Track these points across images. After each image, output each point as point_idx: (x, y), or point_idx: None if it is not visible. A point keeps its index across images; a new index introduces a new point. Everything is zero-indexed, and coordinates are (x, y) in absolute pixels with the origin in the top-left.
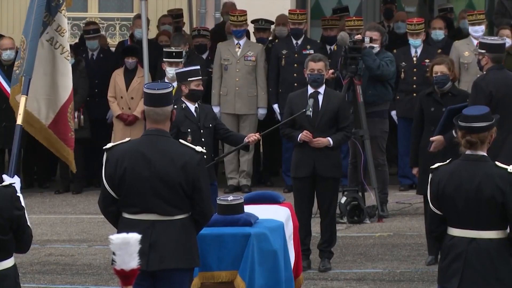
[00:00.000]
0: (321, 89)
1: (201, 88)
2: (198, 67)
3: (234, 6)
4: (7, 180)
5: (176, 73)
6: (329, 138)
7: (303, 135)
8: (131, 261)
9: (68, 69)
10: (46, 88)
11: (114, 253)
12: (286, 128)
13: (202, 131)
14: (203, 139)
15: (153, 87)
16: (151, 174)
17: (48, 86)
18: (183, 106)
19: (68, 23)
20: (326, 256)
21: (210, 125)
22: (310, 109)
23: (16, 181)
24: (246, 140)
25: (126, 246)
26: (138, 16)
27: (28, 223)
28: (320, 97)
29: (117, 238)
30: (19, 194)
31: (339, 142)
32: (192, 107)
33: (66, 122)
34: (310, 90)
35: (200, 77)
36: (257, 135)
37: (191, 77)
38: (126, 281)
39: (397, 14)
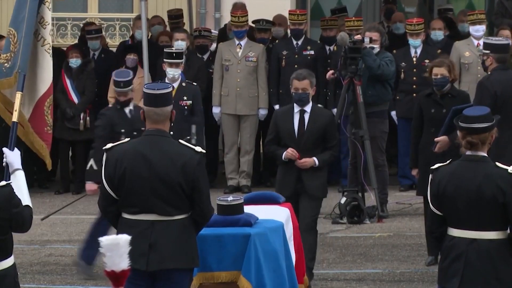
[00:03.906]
0: (307, 107)
1: (121, 98)
2: (123, 79)
3: (244, 7)
4: (7, 153)
5: (113, 78)
6: (314, 158)
7: (288, 153)
8: (121, 262)
9: (48, 62)
10: (28, 81)
11: (104, 255)
12: (271, 145)
13: (135, 133)
14: None
15: (152, 87)
16: (151, 174)
17: (28, 78)
18: (118, 107)
19: (68, 23)
20: (308, 275)
21: (142, 128)
22: (195, 137)
23: (16, 155)
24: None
25: (116, 248)
26: (139, 17)
27: (28, 203)
28: (306, 116)
29: (106, 239)
30: (19, 171)
31: (325, 163)
32: (126, 108)
33: (43, 116)
34: (296, 108)
35: (127, 89)
36: None
37: (117, 88)
38: (117, 282)
39: (395, 15)
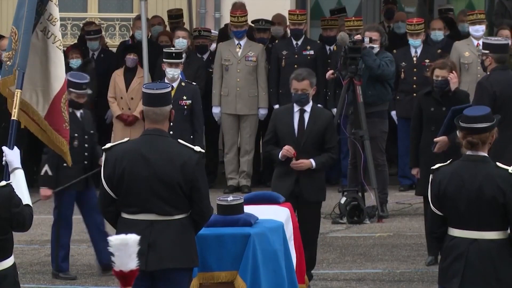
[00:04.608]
0: (307, 107)
1: (81, 100)
2: (84, 81)
3: (243, 6)
4: (6, 152)
5: (70, 79)
6: (311, 160)
7: (285, 150)
8: (130, 262)
9: (60, 58)
10: (42, 79)
11: (112, 254)
12: (268, 145)
13: (86, 136)
14: (86, 145)
15: (151, 87)
16: (150, 174)
17: (43, 76)
18: (70, 111)
19: (67, 23)
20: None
21: (92, 131)
22: None
23: (15, 154)
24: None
25: (125, 247)
26: (139, 18)
27: (28, 202)
28: (306, 115)
29: (115, 239)
30: (19, 170)
31: (322, 165)
32: (77, 112)
33: (60, 112)
34: (296, 107)
35: (82, 91)
36: None
37: (71, 88)
38: (125, 282)
39: (396, 14)
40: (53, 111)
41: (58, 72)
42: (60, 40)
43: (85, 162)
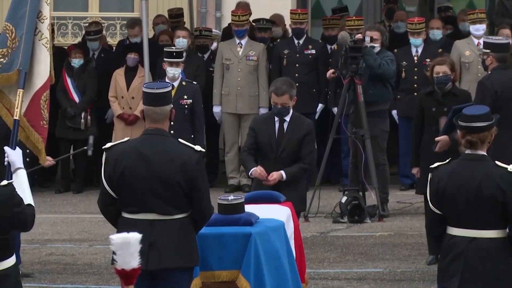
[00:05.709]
0: (287, 117)
1: None
2: None
3: (247, 6)
4: (8, 152)
5: None
6: (282, 172)
7: (257, 172)
8: (132, 261)
9: (45, 56)
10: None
11: (114, 253)
12: (244, 153)
13: None
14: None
15: (152, 87)
16: (150, 174)
17: (27, 73)
18: None
19: (68, 22)
20: None
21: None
22: (92, 148)
23: (18, 154)
24: (42, 163)
25: (127, 246)
26: (131, 25)
27: (30, 201)
28: (286, 124)
29: (117, 237)
30: (21, 170)
31: (293, 176)
32: None
33: (39, 110)
34: (276, 117)
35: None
36: (52, 161)
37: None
38: (127, 281)
39: (397, 14)
40: (32, 108)
41: (41, 69)
42: (47, 38)
43: (27, 159)
